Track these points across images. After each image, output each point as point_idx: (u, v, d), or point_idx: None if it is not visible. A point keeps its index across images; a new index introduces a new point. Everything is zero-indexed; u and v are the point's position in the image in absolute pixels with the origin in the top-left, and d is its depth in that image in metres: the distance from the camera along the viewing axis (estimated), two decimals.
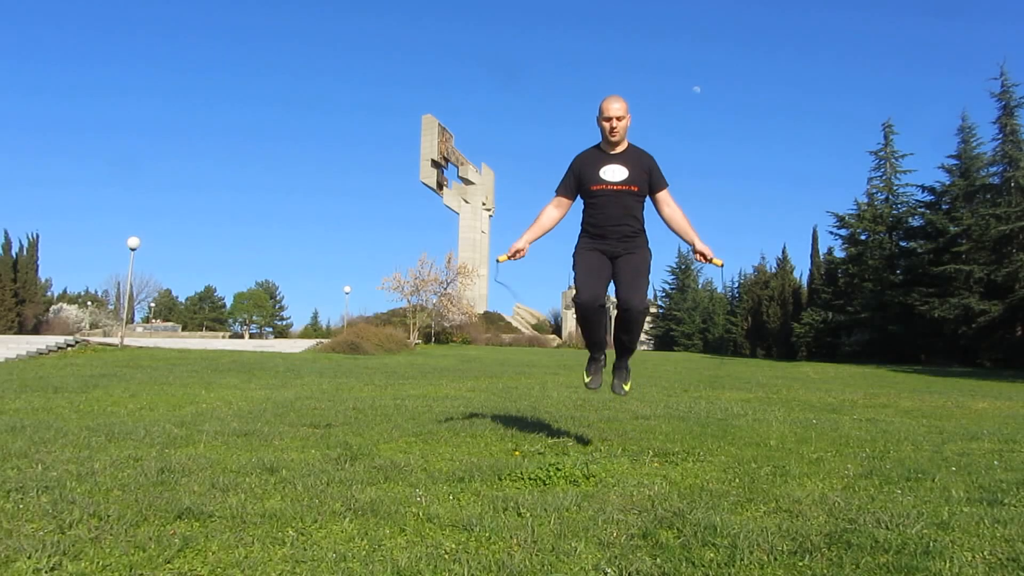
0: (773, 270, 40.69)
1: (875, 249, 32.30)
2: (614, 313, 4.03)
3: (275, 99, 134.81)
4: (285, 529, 2.40)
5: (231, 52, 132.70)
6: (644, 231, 3.98)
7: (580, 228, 4.04)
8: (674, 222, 3.93)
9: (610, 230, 3.88)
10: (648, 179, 3.90)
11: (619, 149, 3.91)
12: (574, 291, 3.95)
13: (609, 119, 3.82)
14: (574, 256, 3.99)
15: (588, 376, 4.24)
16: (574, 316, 4.17)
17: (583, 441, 4.38)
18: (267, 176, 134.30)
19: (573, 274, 3.96)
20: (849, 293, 32.79)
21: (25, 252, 35.30)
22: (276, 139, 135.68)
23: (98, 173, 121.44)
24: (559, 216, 4.01)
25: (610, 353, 4.25)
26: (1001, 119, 27.45)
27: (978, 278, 26.36)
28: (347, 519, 2.52)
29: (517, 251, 3.88)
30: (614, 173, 3.85)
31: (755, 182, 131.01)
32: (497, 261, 3.88)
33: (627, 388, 4.24)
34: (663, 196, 3.94)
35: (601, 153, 3.92)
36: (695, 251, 3.83)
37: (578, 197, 4.01)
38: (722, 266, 3.81)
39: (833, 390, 10.66)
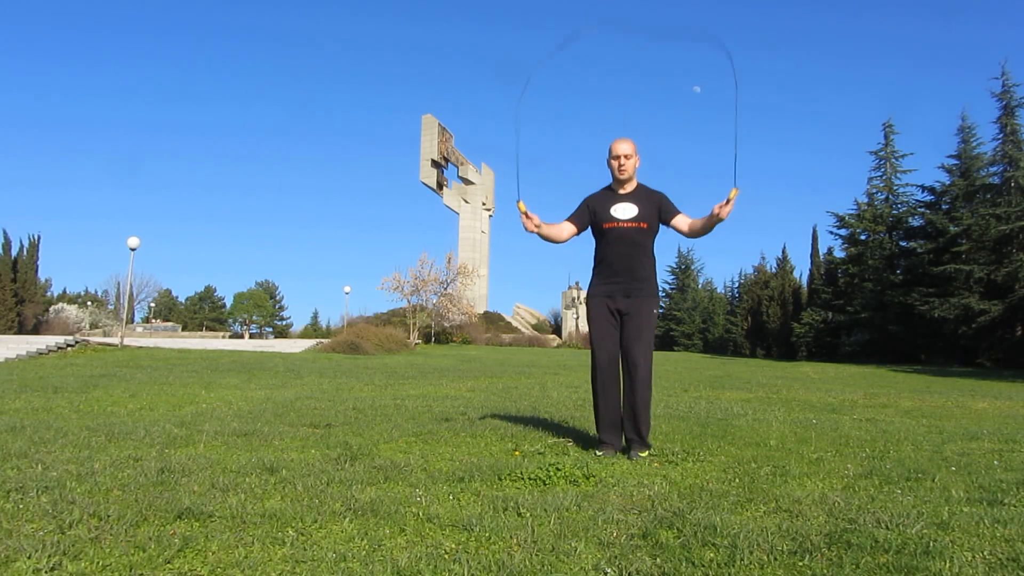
0: (773, 270, 40.71)
1: (875, 249, 32.32)
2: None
3: (275, 99, 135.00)
4: (285, 529, 2.40)
5: (231, 52, 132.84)
6: (655, 275, 4.07)
7: (592, 270, 4.13)
8: (694, 226, 3.99)
9: (621, 268, 3.98)
10: (658, 213, 4.03)
11: (629, 188, 4.06)
12: (591, 351, 4.06)
13: (617, 157, 3.98)
14: (586, 307, 4.12)
15: (600, 451, 3.96)
16: (590, 379, 4.18)
17: (583, 441, 4.38)
18: (267, 176, 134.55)
19: (589, 330, 4.08)
20: (849, 293, 32.81)
21: (25, 252, 35.31)
22: (276, 139, 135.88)
23: (98, 173, 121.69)
24: (571, 234, 4.12)
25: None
26: (1001, 119, 27.48)
27: (978, 278, 26.38)
28: (347, 519, 2.52)
29: (531, 218, 3.89)
30: (625, 211, 3.98)
31: (755, 182, 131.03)
32: (518, 204, 3.91)
33: (644, 455, 3.86)
34: (679, 219, 4.03)
35: (612, 193, 4.08)
36: (720, 213, 3.74)
37: (590, 231, 4.13)
38: (737, 193, 3.68)
39: (833, 390, 10.66)
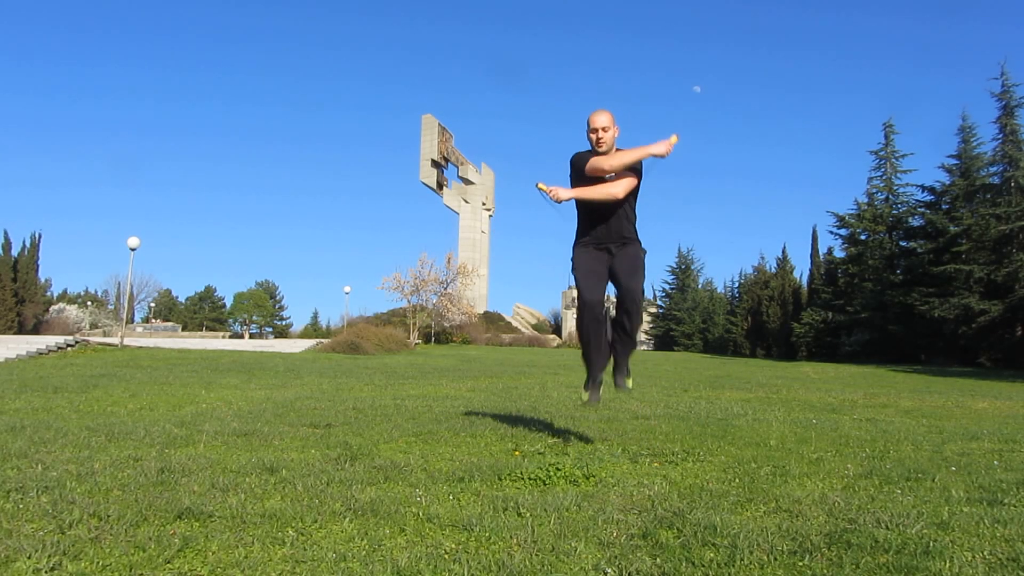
0: (773, 270, 40.70)
1: (875, 249, 32.30)
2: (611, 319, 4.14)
3: (275, 99, 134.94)
4: (285, 529, 2.40)
5: (231, 52, 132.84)
6: (637, 232, 4.14)
7: (576, 232, 4.17)
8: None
9: (605, 230, 4.04)
10: (637, 173, 4.03)
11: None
12: (576, 292, 4.07)
13: (595, 130, 3.99)
14: (573, 259, 4.12)
15: (587, 393, 4.28)
16: (575, 319, 4.18)
17: (583, 441, 4.38)
18: (267, 176, 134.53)
19: (573, 277, 4.08)
20: (849, 293, 32.79)
21: (26, 252, 35.30)
22: (276, 139, 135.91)
23: (98, 173, 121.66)
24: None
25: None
26: (1001, 119, 27.45)
27: (978, 278, 26.36)
28: (347, 519, 2.52)
29: (554, 190, 3.89)
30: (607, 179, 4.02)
31: (755, 182, 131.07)
32: (537, 186, 3.92)
33: (630, 384, 4.25)
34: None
35: (594, 155, 4.06)
36: (656, 149, 3.86)
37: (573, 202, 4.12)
38: (677, 140, 3.84)
39: (833, 390, 10.66)
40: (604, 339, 4.12)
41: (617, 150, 4.07)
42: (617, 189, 3.96)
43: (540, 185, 3.88)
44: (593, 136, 4.01)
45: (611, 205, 3.99)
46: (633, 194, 4.07)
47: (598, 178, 3.97)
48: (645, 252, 4.14)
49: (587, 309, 4.01)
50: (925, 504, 2.84)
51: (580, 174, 4.02)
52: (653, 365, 20.56)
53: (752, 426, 5.39)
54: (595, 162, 3.94)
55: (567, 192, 3.90)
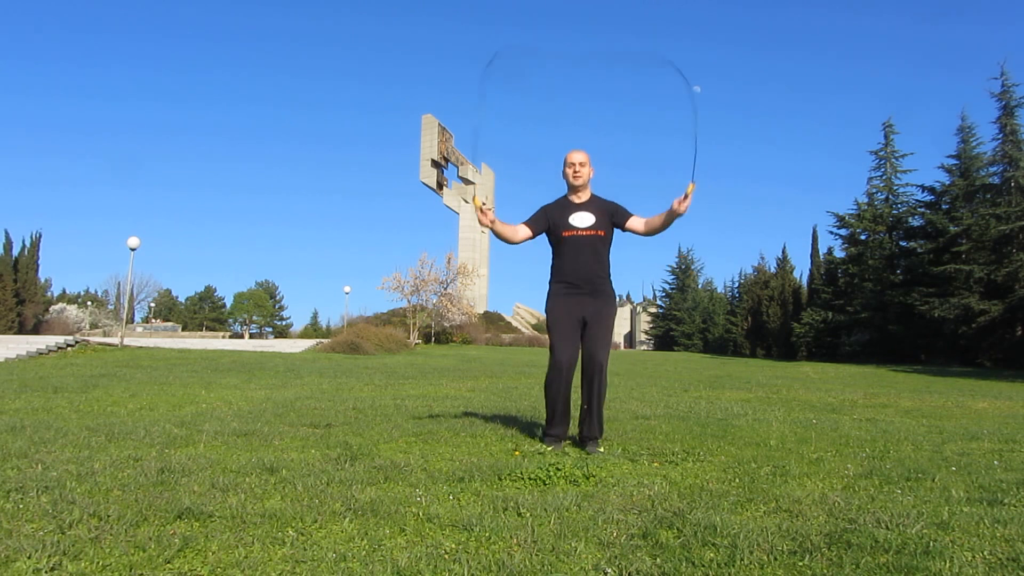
0: (773, 270, 40.71)
1: (875, 249, 32.30)
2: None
3: (275, 99, 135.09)
4: (285, 529, 2.40)
5: (231, 52, 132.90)
6: (610, 281, 4.25)
7: (551, 277, 4.27)
8: (652, 223, 4.18)
9: (580, 276, 4.15)
10: (612, 221, 4.22)
11: (584, 197, 4.25)
12: (550, 348, 4.18)
13: (572, 164, 4.18)
14: (548, 308, 4.23)
15: (547, 441, 4.21)
16: (545, 375, 4.31)
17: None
18: (267, 176, 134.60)
19: (548, 331, 4.22)
20: (849, 293, 32.79)
21: (26, 252, 35.30)
22: (276, 139, 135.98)
23: (98, 173, 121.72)
24: (525, 236, 4.27)
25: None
26: (1001, 119, 27.45)
27: (978, 278, 26.36)
28: (347, 519, 2.52)
29: (486, 214, 4.04)
30: (582, 219, 4.19)
31: (755, 182, 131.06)
32: (472, 200, 4.17)
33: (601, 449, 4.05)
34: (633, 221, 4.23)
35: (568, 203, 4.27)
36: (679, 208, 3.95)
37: (545, 239, 4.30)
38: (693, 188, 3.91)
39: (833, 390, 10.66)
40: (568, 394, 4.17)
41: (594, 197, 4.26)
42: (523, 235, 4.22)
43: (475, 200, 4.13)
44: (570, 170, 4.19)
45: (585, 248, 4.14)
46: (607, 241, 4.21)
47: (569, 229, 4.15)
48: (616, 308, 4.29)
49: (557, 371, 4.10)
50: (925, 504, 2.84)
51: (554, 230, 4.19)
52: (653, 365, 20.56)
53: (752, 426, 5.39)
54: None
55: (489, 221, 4.04)
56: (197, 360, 15.43)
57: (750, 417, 6.07)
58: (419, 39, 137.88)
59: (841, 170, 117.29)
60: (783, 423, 5.64)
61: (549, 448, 4.07)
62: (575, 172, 4.16)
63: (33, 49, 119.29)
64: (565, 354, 4.09)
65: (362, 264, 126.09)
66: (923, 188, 31.35)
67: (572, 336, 4.10)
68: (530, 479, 3.19)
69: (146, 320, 72.70)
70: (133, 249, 22.52)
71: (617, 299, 4.40)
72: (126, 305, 38.94)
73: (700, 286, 52.38)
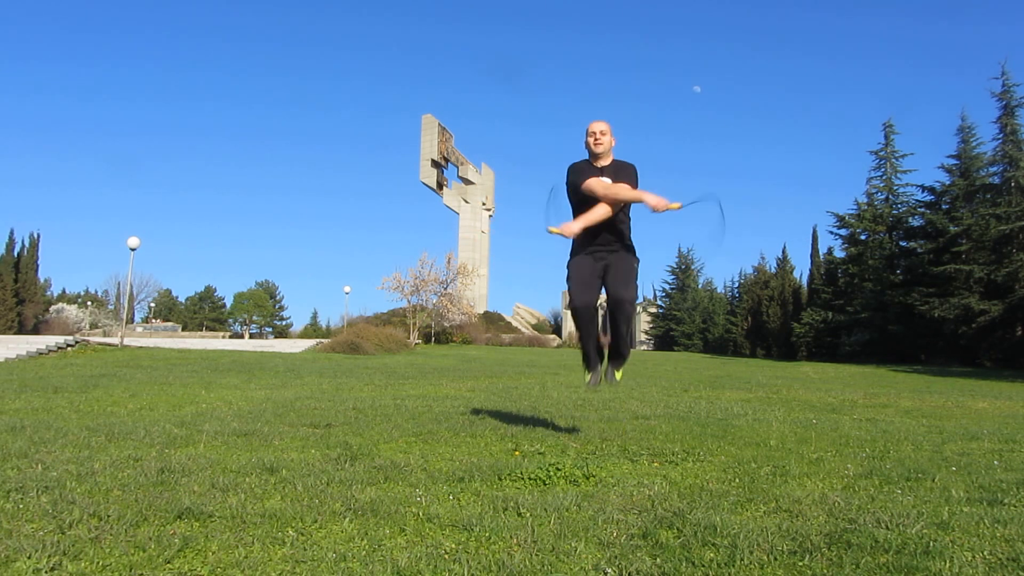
0: (773, 270, 40.69)
1: (875, 249, 32.30)
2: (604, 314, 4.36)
3: (275, 99, 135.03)
4: (285, 529, 2.40)
5: (231, 52, 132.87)
6: (631, 241, 4.31)
7: (574, 238, 4.27)
8: (625, 194, 4.16)
9: (600, 237, 4.19)
10: (632, 182, 4.22)
11: (605, 162, 4.27)
12: (569, 299, 4.28)
13: (593, 133, 4.24)
14: (568, 267, 4.30)
15: (588, 375, 4.51)
16: (574, 324, 4.38)
17: (583, 441, 4.38)
18: (267, 176, 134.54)
19: (567, 285, 4.29)
20: (849, 293, 32.79)
21: (26, 252, 35.31)
22: (276, 139, 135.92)
23: (98, 173, 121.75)
24: (605, 209, 4.16)
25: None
26: (1001, 119, 27.44)
27: (978, 278, 26.36)
28: (347, 519, 2.52)
29: (569, 226, 4.09)
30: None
31: (755, 182, 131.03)
32: (549, 231, 4.13)
33: (618, 376, 4.49)
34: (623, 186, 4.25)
35: (589, 166, 4.29)
36: (651, 205, 3.97)
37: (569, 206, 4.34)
38: (678, 208, 3.94)
39: (833, 390, 10.66)
40: (597, 335, 4.37)
41: (614, 160, 4.27)
42: (604, 211, 4.12)
43: (551, 229, 4.10)
44: (591, 139, 4.24)
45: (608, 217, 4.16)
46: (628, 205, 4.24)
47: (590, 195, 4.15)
48: (638, 261, 4.31)
49: (578, 314, 4.25)
50: (925, 504, 2.84)
51: (575, 188, 4.21)
52: (653, 365, 20.56)
53: (752, 426, 5.39)
54: (591, 184, 4.12)
55: (577, 225, 4.09)
56: (197, 360, 15.43)
57: (750, 417, 6.07)
58: (419, 39, 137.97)
59: (841, 170, 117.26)
60: (783, 423, 5.64)
61: (587, 378, 4.44)
62: (596, 140, 4.22)
63: (33, 49, 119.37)
64: (580, 299, 4.19)
65: (362, 264, 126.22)
66: (923, 188, 31.36)
67: (589, 282, 4.18)
68: (530, 479, 3.19)
69: (146, 320, 72.70)
70: (133, 249, 22.52)
71: (638, 260, 4.38)
72: (126, 305, 38.93)
73: (700, 286, 52.33)
